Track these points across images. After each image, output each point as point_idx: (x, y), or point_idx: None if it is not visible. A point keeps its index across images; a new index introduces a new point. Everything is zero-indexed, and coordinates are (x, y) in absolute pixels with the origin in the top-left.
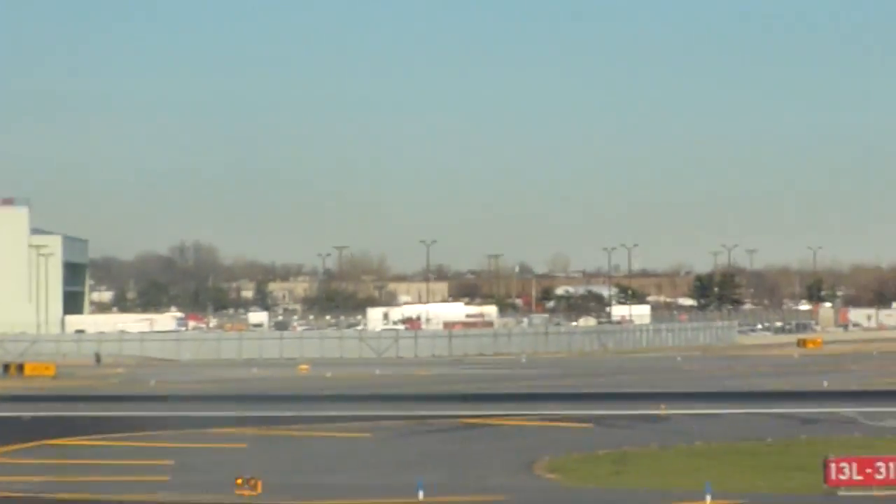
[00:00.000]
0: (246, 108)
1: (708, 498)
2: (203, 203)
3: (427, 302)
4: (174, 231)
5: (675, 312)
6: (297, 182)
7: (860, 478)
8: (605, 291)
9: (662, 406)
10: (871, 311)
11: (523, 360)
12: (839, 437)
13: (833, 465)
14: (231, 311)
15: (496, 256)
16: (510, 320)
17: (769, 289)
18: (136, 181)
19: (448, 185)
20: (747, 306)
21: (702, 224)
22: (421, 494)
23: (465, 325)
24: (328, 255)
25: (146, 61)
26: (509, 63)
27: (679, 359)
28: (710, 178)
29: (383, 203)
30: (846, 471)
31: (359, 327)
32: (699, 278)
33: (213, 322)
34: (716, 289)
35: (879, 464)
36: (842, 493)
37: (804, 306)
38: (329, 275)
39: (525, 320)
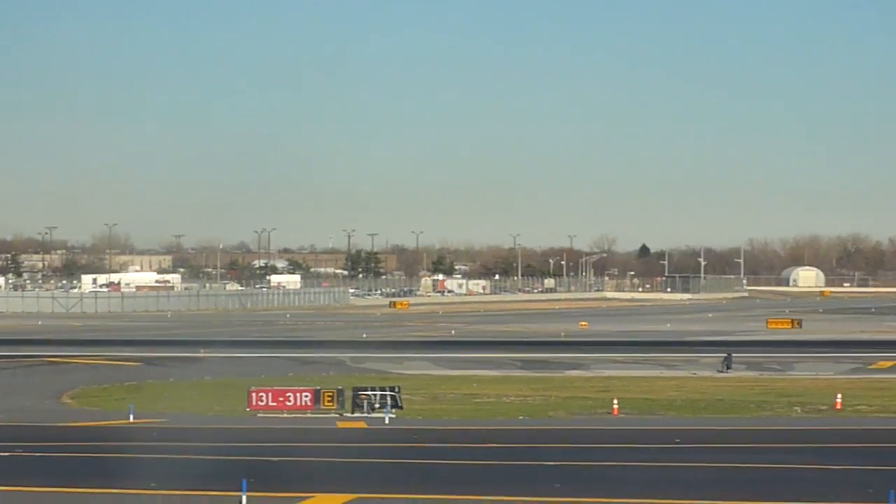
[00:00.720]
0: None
1: (131, 417)
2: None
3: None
4: None
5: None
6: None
7: (274, 404)
8: (281, 264)
9: (202, 350)
10: (463, 281)
11: (169, 315)
12: (320, 375)
13: (254, 395)
14: None
15: (179, 237)
16: (195, 285)
17: (411, 263)
18: None
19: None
20: (388, 276)
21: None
22: None
23: (153, 288)
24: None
25: None
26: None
27: (288, 315)
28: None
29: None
30: (264, 398)
31: (73, 290)
32: (349, 255)
33: None
34: (351, 263)
35: (290, 393)
36: (260, 415)
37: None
38: (92, 250)
39: (208, 286)
